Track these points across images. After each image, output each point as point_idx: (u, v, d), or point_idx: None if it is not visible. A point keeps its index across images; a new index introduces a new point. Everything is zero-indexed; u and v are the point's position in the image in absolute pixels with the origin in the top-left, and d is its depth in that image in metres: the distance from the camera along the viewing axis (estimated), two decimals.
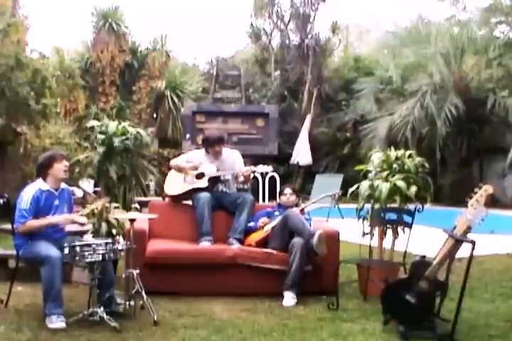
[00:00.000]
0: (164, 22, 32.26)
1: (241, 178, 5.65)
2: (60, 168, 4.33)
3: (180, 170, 5.65)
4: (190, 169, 5.59)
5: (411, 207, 5.09)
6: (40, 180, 4.34)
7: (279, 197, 5.66)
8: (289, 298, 4.73)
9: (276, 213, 5.41)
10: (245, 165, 5.66)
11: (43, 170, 4.34)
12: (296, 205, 5.51)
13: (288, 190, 5.56)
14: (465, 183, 12.28)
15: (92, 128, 7.14)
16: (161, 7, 32.39)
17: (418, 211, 5.03)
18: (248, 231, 5.36)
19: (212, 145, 5.63)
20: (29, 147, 9.98)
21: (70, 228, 4.63)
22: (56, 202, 4.33)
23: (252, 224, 5.38)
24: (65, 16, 33.12)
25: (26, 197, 4.21)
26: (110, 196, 7.32)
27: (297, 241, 4.87)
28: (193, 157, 5.77)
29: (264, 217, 5.38)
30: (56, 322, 3.93)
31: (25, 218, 4.17)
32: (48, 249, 4.08)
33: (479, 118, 13.57)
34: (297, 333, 3.97)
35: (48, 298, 3.99)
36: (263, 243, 5.14)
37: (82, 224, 4.48)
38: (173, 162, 5.81)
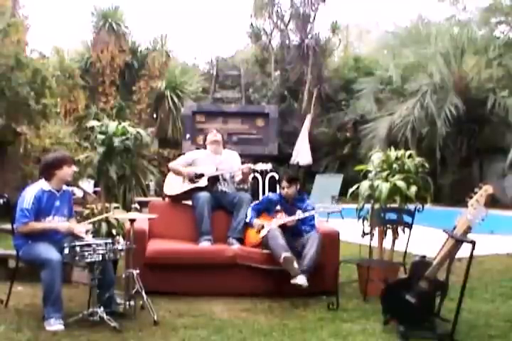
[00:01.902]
0: (164, 22, 32.32)
1: (238, 177, 5.65)
2: (68, 171, 4.31)
3: (178, 173, 5.66)
4: (187, 175, 5.57)
5: (411, 207, 5.09)
6: (42, 180, 4.32)
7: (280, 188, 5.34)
8: (302, 278, 4.60)
9: (278, 207, 5.24)
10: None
11: (49, 170, 4.30)
12: (300, 192, 5.29)
13: (284, 183, 5.21)
14: (465, 183, 12.29)
15: (92, 128, 7.12)
16: (161, 7, 32.43)
17: (418, 211, 5.03)
18: (246, 226, 5.30)
19: (206, 134, 5.77)
20: (29, 147, 9.98)
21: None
22: (57, 204, 4.31)
23: (248, 219, 5.27)
24: (65, 16, 33.20)
25: (28, 196, 4.19)
26: (110, 196, 7.31)
27: (313, 234, 4.87)
28: (193, 157, 5.78)
29: (259, 222, 5.21)
30: (55, 325, 3.92)
31: (26, 218, 4.16)
32: (48, 252, 4.06)
33: (479, 118, 13.58)
34: (297, 333, 3.97)
35: (48, 302, 3.98)
36: (259, 247, 5.10)
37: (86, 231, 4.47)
38: (172, 164, 5.82)
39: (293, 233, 5.05)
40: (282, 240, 4.83)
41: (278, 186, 5.46)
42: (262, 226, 5.16)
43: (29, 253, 4.19)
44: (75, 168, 4.38)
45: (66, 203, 4.42)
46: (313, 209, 5.16)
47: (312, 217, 5.20)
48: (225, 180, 5.64)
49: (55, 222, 4.29)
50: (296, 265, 4.66)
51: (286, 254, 4.68)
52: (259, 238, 5.13)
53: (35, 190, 4.23)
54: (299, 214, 5.07)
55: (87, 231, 4.35)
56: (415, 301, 3.91)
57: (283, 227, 5.05)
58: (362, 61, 17.68)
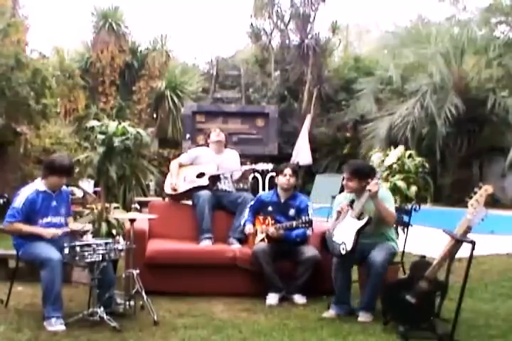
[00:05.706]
0: (164, 22, 32.33)
1: (236, 176, 5.67)
2: (55, 181, 4.27)
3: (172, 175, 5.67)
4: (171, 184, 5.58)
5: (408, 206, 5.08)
6: (38, 180, 4.32)
7: (277, 178, 5.07)
8: (300, 297, 4.76)
9: (270, 208, 5.05)
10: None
11: (44, 172, 4.31)
12: (295, 187, 5.11)
13: (288, 170, 4.96)
14: (465, 183, 12.29)
15: (92, 128, 7.13)
16: (161, 7, 32.44)
17: (415, 210, 5.03)
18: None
19: (209, 133, 5.75)
20: (29, 147, 9.99)
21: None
22: (54, 204, 4.30)
23: (243, 221, 5.18)
24: (65, 16, 33.24)
25: (21, 196, 4.19)
26: (110, 196, 7.32)
27: (312, 255, 4.78)
28: (196, 154, 5.78)
29: (251, 225, 5.09)
30: (56, 325, 3.92)
31: (14, 218, 4.15)
32: (48, 252, 4.06)
33: (479, 118, 13.58)
34: (297, 333, 3.97)
35: (48, 301, 3.98)
36: None
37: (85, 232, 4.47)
38: (174, 163, 5.82)
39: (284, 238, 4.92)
40: (270, 265, 4.78)
41: (276, 174, 5.14)
42: (255, 233, 5.06)
43: (29, 252, 4.18)
44: (64, 181, 4.31)
45: (63, 203, 4.40)
46: (307, 206, 4.98)
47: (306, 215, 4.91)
48: (225, 179, 5.65)
49: (50, 224, 4.25)
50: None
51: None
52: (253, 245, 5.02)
53: (30, 192, 4.22)
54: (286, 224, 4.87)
55: (86, 232, 4.35)
56: (415, 301, 3.91)
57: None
58: (362, 61, 17.66)
